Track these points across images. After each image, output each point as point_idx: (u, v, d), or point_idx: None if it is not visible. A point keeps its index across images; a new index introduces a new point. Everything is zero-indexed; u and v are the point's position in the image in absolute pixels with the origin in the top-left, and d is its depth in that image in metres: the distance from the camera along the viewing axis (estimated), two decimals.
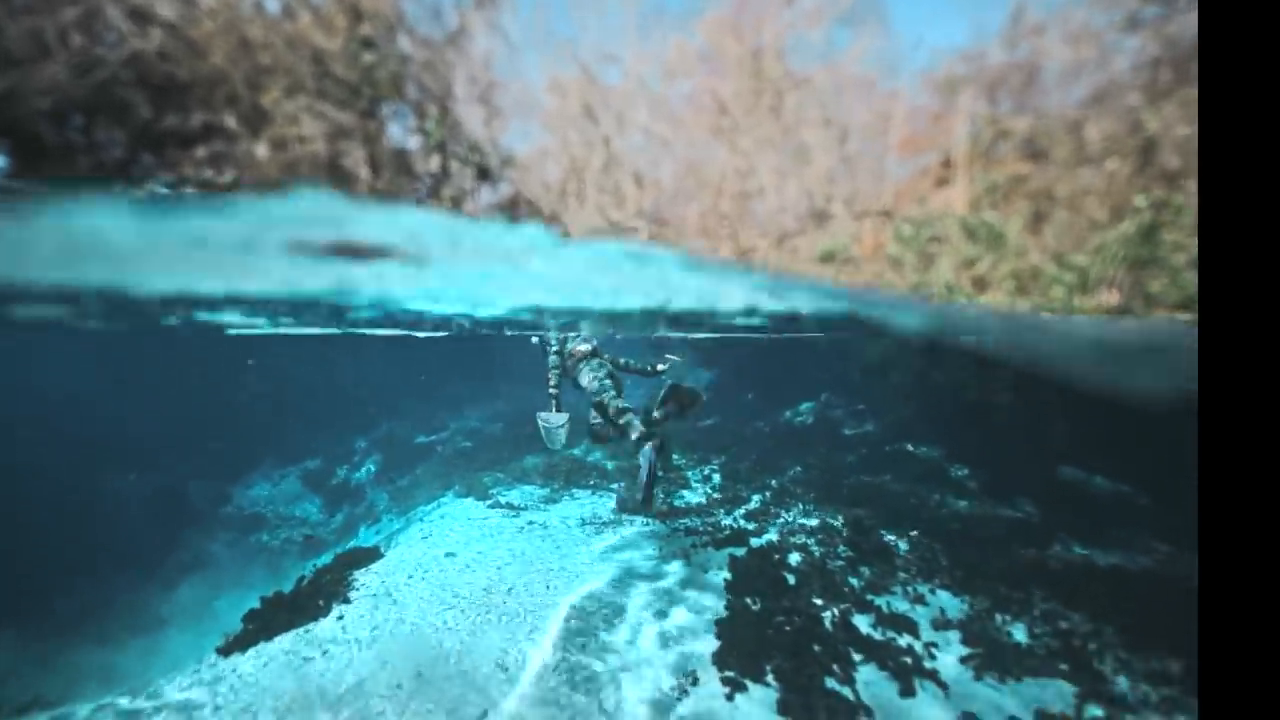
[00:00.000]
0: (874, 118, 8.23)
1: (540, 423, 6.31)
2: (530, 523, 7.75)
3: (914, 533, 7.05)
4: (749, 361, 14.30)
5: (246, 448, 14.10)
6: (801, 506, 8.26)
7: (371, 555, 6.60)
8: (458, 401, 17.06)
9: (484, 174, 8.74)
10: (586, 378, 6.64)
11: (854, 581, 5.93)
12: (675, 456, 11.14)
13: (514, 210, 9.72)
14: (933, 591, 5.75)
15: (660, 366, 6.98)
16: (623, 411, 6.21)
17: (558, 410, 6.32)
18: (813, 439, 11.44)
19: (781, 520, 7.90)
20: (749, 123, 8.13)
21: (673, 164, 8.34)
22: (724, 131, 8.33)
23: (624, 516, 8.09)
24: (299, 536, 11.78)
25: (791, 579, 5.94)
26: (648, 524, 7.89)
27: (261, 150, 5.95)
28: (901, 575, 6.06)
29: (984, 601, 5.58)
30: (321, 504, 12.62)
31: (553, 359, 6.67)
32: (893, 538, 6.89)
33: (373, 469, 13.44)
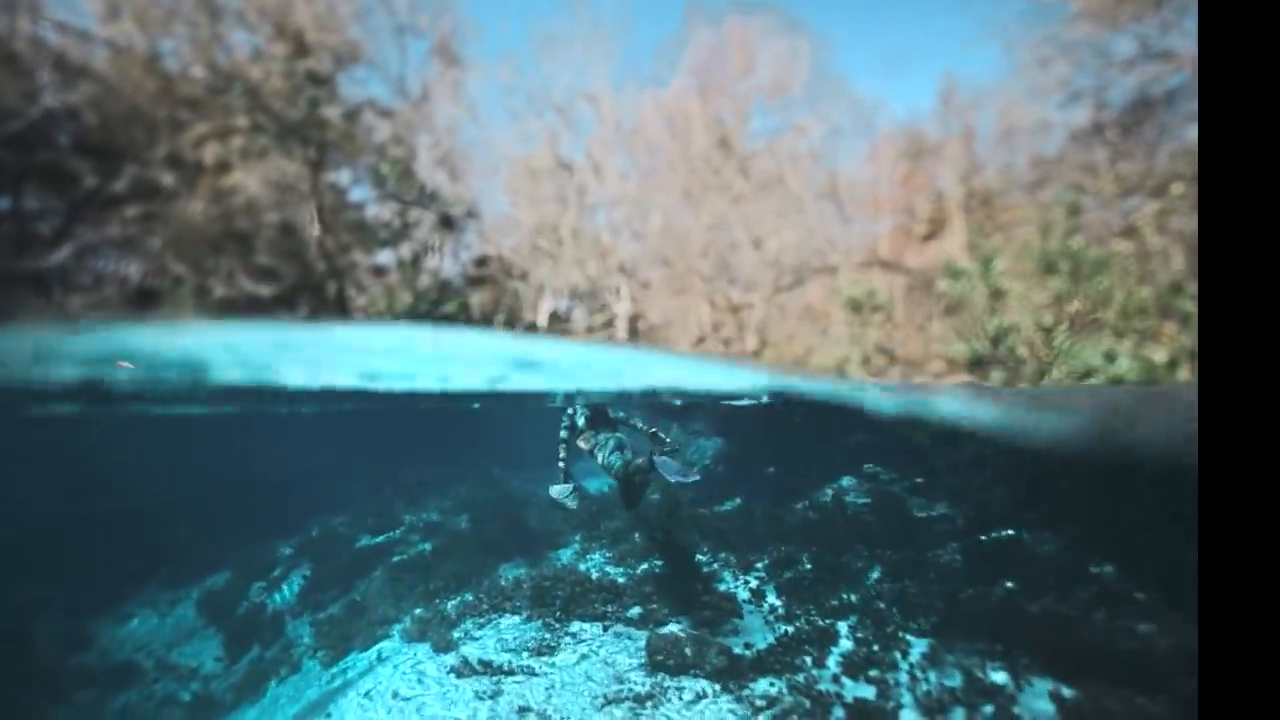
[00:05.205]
0: (850, 178, 7.58)
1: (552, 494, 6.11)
2: (522, 708, 4.84)
3: (1129, 692, 4.48)
4: (759, 424, 11.84)
5: (127, 562, 10.66)
6: (924, 646, 5.61)
7: None
8: (415, 488, 13.88)
9: (447, 223, 6.88)
10: (599, 456, 6.19)
11: None
12: (702, 557, 8.41)
13: (484, 267, 7.87)
14: None
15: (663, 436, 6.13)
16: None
17: (565, 480, 5.96)
18: (877, 527, 8.89)
19: (905, 673, 5.23)
20: (719, 183, 7.42)
21: (648, 223, 7.51)
22: (694, 194, 7.14)
23: (667, 681, 5.28)
24: (185, 695, 8.44)
25: None
26: (703, 689, 5.12)
27: (196, 206, 4.49)
28: None
29: None
30: (223, 643, 9.25)
31: (563, 433, 6.23)
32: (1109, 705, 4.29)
33: (297, 587, 10.16)
